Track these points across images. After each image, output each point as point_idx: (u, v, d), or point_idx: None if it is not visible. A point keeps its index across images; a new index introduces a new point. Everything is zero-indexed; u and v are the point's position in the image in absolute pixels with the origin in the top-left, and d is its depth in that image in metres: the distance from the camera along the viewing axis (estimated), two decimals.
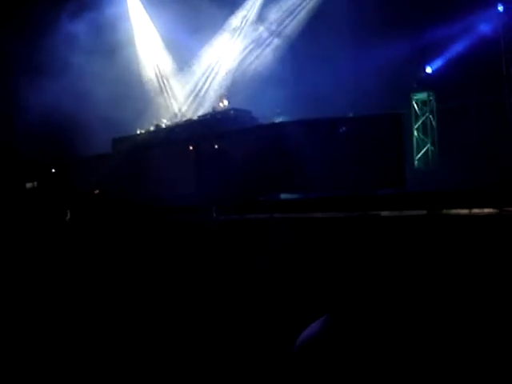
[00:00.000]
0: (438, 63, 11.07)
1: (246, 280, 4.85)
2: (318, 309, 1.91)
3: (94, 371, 5.14)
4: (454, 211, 4.19)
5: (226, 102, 11.38)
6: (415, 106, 11.66)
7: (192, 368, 4.87)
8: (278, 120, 10.95)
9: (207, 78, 15.10)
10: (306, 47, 12.68)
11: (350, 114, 9.64)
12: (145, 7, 15.29)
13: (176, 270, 5.60)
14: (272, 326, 4.31)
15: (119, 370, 5.27)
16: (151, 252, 5.98)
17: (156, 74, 15.58)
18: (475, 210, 4.16)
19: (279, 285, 4.56)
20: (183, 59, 15.11)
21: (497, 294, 3.38)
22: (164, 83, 15.62)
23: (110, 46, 12.64)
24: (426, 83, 11.49)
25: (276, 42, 14.11)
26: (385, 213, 4.46)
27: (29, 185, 12.88)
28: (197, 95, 15.21)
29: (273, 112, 11.39)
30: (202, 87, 15.18)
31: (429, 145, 11.38)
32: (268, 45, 14.24)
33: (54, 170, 12.95)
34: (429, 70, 11.34)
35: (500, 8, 10.25)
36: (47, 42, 11.96)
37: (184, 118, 12.21)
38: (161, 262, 5.84)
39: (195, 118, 11.25)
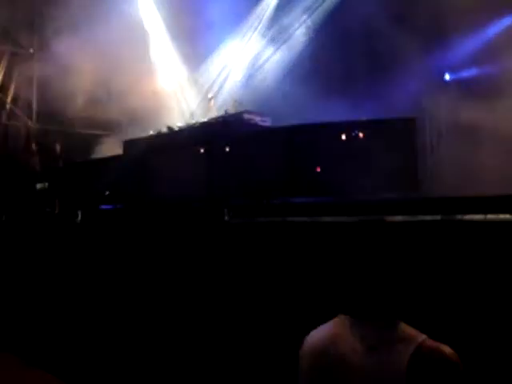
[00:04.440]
0: (460, 74, 11.04)
1: (257, 282, 4.83)
2: (329, 312, 1.89)
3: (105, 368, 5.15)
4: (468, 217, 4.12)
5: (237, 105, 11.35)
6: (429, 109, 11.56)
7: (199, 369, 4.86)
8: (291, 123, 10.90)
9: (221, 78, 15.07)
10: (322, 45, 12.65)
11: (363, 118, 9.59)
12: (156, 3, 15.25)
13: (188, 273, 5.59)
14: (282, 330, 4.29)
15: (129, 367, 5.28)
16: (162, 255, 5.97)
17: (169, 74, 15.59)
18: (490, 216, 4.08)
19: (291, 287, 4.54)
20: (196, 59, 15.09)
21: None
22: (177, 84, 15.63)
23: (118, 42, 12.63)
24: (440, 87, 11.41)
25: (293, 40, 14.05)
26: (398, 217, 4.40)
27: (39, 185, 12.91)
28: (210, 97, 15.21)
29: (285, 115, 11.36)
30: (215, 88, 15.15)
31: (442, 149, 11.27)
32: (284, 44, 14.18)
33: (64, 171, 12.99)
34: (447, 76, 11.30)
35: None
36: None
37: (197, 121, 12.22)
38: (172, 265, 5.84)
39: (208, 120, 11.24)
